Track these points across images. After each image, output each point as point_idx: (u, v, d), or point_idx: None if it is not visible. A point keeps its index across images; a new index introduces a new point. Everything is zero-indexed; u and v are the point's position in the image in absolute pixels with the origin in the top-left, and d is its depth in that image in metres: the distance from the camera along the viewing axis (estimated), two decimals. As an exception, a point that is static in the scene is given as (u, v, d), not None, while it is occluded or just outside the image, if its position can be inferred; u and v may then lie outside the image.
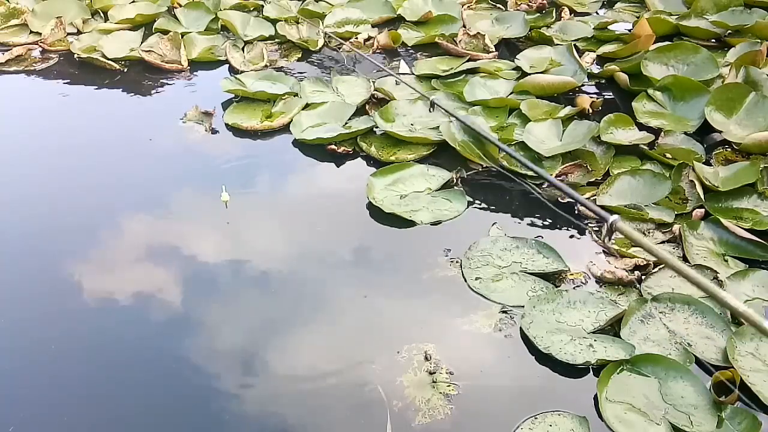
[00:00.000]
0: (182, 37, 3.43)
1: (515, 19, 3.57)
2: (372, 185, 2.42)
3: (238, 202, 2.40)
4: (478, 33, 3.41)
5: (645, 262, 2.06)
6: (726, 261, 2.11)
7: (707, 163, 2.52)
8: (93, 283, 2.07)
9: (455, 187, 2.44)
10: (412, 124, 2.74)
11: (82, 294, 2.03)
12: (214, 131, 2.82)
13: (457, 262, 2.12)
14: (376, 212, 2.33)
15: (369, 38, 3.47)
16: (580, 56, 3.16)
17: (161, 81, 3.22)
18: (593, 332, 1.88)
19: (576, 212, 2.31)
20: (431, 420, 1.66)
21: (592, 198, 2.35)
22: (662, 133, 2.64)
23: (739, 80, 2.82)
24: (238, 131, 2.81)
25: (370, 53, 3.40)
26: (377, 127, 2.74)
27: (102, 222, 2.33)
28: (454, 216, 2.30)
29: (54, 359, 1.85)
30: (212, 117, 2.87)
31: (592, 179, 2.46)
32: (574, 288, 2.03)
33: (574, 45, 3.22)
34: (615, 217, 1.58)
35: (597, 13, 3.77)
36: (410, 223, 2.28)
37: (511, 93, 2.95)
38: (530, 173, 2.47)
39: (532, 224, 2.29)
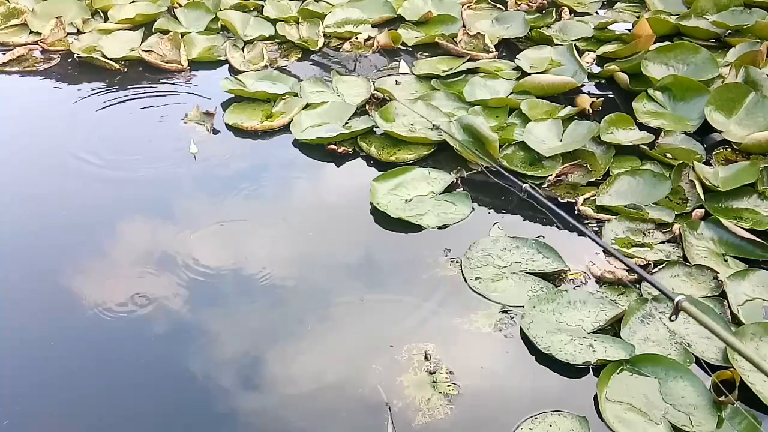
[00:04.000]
0: (182, 37, 3.43)
1: (515, 19, 3.57)
2: (375, 190, 2.41)
3: (239, 201, 2.40)
4: (478, 33, 3.41)
5: (645, 262, 2.06)
6: (726, 261, 2.11)
7: (707, 163, 2.52)
8: (92, 284, 2.07)
9: (458, 189, 2.44)
10: (412, 124, 2.74)
11: (82, 293, 2.03)
12: (215, 131, 2.82)
13: (457, 262, 2.12)
14: (376, 213, 2.33)
15: (369, 38, 3.47)
16: (580, 56, 3.16)
17: (161, 81, 3.22)
18: (593, 332, 1.88)
19: (576, 212, 2.31)
20: (431, 420, 1.67)
21: (592, 198, 2.35)
22: (662, 133, 2.64)
23: (739, 80, 2.82)
24: (238, 131, 2.81)
25: (370, 53, 3.40)
26: (377, 127, 2.74)
27: (102, 221, 2.33)
28: (461, 219, 2.30)
29: (53, 357, 1.85)
30: (213, 117, 2.87)
31: (592, 179, 2.46)
32: (574, 288, 2.03)
33: (575, 45, 3.22)
34: (680, 296, 1.47)
35: (597, 13, 3.77)
36: (413, 226, 2.27)
37: (511, 93, 2.95)
38: (530, 173, 2.48)
39: (532, 224, 2.29)
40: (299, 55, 3.41)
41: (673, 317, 1.51)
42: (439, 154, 2.62)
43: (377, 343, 1.87)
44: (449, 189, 2.44)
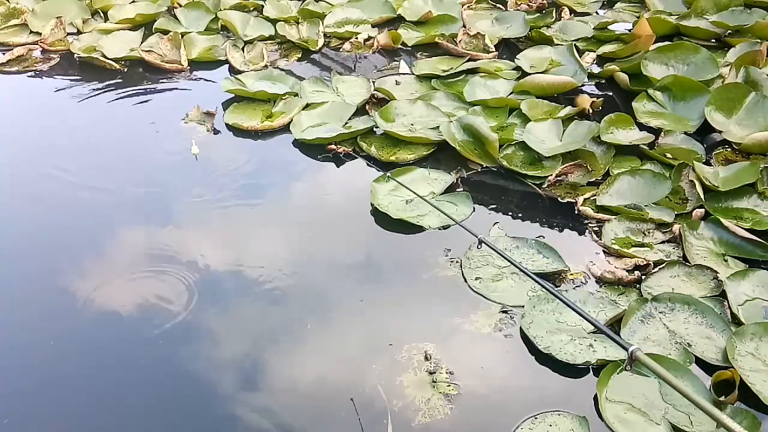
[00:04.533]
0: (182, 37, 3.43)
1: (515, 19, 3.57)
2: (375, 191, 2.41)
3: (239, 201, 2.41)
4: (478, 33, 3.42)
5: (645, 262, 2.06)
6: (726, 261, 2.11)
7: (707, 163, 2.52)
8: (93, 286, 2.06)
9: (458, 190, 2.43)
10: (412, 124, 2.74)
11: (82, 294, 2.03)
12: (215, 131, 2.82)
13: (457, 262, 2.12)
14: (377, 214, 2.33)
15: (369, 38, 3.47)
16: (580, 56, 3.17)
17: (161, 81, 3.22)
18: (593, 332, 1.88)
19: (576, 212, 2.31)
20: (431, 420, 1.67)
21: (592, 198, 2.35)
22: (662, 133, 2.64)
23: (739, 80, 2.82)
24: (238, 131, 2.81)
25: (370, 53, 3.40)
26: (377, 127, 2.74)
27: (102, 221, 2.33)
28: (461, 220, 2.29)
29: (52, 357, 1.85)
30: (213, 117, 2.87)
31: (592, 179, 2.46)
32: (574, 288, 2.03)
33: (575, 45, 3.23)
34: (634, 347, 1.49)
35: (597, 13, 3.77)
36: (413, 227, 2.27)
37: (511, 93, 2.95)
38: (530, 173, 2.48)
39: (533, 224, 2.29)
40: (299, 55, 3.42)
41: (628, 367, 1.52)
42: (440, 154, 2.62)
43: (377, 343, 1.86)
44: (450, 189, 2.44)
